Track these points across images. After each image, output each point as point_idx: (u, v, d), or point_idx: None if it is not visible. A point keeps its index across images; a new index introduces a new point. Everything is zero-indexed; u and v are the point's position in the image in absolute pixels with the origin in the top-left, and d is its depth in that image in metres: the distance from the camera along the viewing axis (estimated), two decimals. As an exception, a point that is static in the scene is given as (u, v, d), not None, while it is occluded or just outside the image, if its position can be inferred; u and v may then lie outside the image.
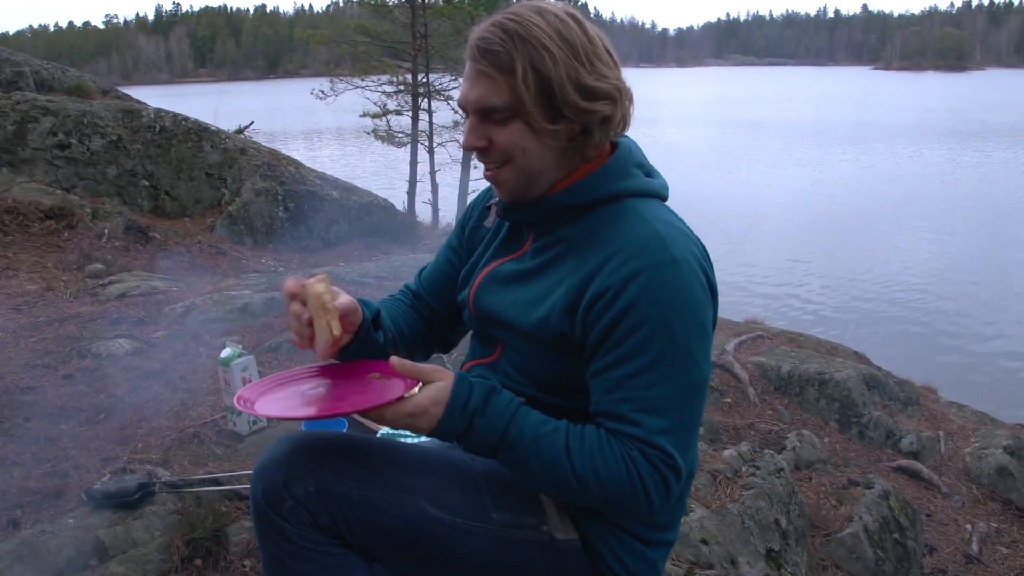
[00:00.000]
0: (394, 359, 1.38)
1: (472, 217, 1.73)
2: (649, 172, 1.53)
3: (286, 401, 1.46)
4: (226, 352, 2.90)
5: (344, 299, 1.51)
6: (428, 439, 2.63)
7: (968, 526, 3.73)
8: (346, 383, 1.53)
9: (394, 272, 5.64)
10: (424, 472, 1.51)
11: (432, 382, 1.37)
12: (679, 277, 1.34)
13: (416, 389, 1.36)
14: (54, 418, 3.02)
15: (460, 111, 1.49)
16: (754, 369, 4.59)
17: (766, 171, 25.40)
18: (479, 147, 1.44)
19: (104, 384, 3.33)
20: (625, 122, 1.46)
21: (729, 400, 4.21)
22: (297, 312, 1.47)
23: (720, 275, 1.45)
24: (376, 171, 23.82)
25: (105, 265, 5.64)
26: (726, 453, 3.07)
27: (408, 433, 2.70)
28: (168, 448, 2.85)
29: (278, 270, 7.23)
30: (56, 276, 5.29)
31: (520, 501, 1.51)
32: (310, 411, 1.47)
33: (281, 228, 8.22)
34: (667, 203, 1.51)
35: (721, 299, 1.47)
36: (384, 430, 2.77)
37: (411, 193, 15.61)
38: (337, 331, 1.46)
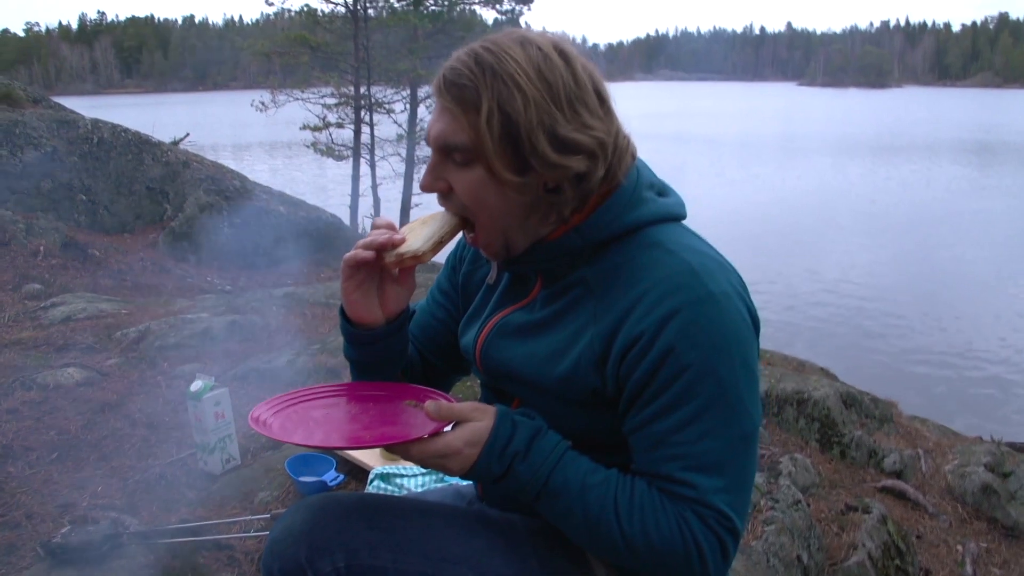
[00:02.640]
0: (430, 403, 1.20)
1: (465, 259, 1.53)
2: (662, 191, 1.35)
3: (306, 425, 1.26)
4: (197, 385, 2.65)
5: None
6: (438, 485, 2.45)
7: (959, 547, 3.65)
8: (375, 407, 1.34)
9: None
10: (466, 536, 1.33)
11: (472, 422, 1.20)
12: (720, 315, 1.17)
13: (449, 426, 1.19)
14: (-1, 459, 2.74)
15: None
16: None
17: (711, 186, 25.62)
18: (438, 189, 1.26)
19: (54, 419, 3.05)
20: (612, 178, 1.25)
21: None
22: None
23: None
24: (314, 186, 23.39)
25: (43, 285, 5.31)
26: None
27: (405, 471, 2.52)
28: (133, 491, 2.60)
29: (225, 288, 6.92)
30: (-11, 298, 4.93)
31: (569, 562, 1.34)
32: (332, 439, 1.28)
33: (227, 245, 7.88)
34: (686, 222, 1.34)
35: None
36: (377, 469, 2.57)
37: (353, 208, 15.38)
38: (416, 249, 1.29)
